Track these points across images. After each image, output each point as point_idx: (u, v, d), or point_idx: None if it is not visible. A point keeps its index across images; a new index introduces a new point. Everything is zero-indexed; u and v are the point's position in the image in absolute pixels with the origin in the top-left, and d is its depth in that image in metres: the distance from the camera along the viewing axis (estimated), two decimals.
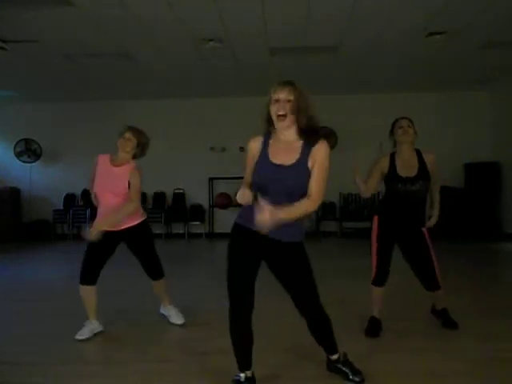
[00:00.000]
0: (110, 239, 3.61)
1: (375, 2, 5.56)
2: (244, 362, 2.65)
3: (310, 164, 2.41)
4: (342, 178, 9.89)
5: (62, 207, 10.75)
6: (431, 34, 6.58)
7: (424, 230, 3.67)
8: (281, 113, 2.37)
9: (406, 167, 3.50)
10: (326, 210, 10.47)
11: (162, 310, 4.13)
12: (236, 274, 2.53)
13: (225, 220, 10.69)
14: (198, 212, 10.72)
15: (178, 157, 10.62)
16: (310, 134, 2.43)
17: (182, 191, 10.76)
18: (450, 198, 9.92)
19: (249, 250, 2.53)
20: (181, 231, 10.68)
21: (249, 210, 2.45)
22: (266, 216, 2.19)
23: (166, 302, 4.09)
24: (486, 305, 4.44)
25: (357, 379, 2.76)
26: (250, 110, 11.27)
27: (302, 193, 2.40)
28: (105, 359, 3.21)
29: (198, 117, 10.65)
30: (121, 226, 3.63)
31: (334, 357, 2.86)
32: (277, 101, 2.39)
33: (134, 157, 3.79)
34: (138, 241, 3.77)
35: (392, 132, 3.62)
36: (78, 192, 10.86)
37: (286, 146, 2.45)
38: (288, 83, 2.43)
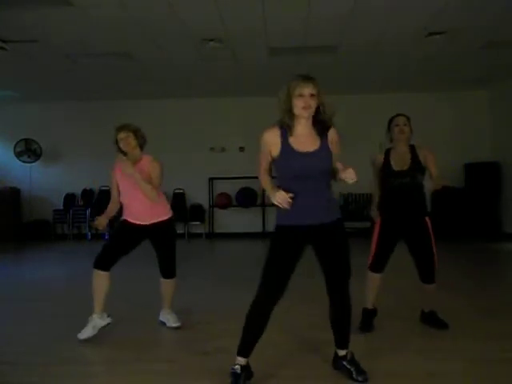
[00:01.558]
0: (137, 232, 3.72)
1: (375, 1, 5.56)
2: (246, 350, 2.74)
3: (330, 146, 2.68)
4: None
5: (61, 207, 10.75)
6: (431, 33, 6.58)
7: (427, 219, 3.71)
8: (306, 106, 2.57)
9: (400, 162, 3.60)
10: None
11: (162, 317, 4.05)
12: (276, 269, 2.64)
13: (225, 220, 10.72)
14: (197, 212, 10.72)
15: (177, 157, 10.60)
16: (321, 124, 2.68)
17: (182, 191, 10.76)
18: (450, 197, 9.94)
19: (295, 250, 2.66)
20: (181, 231, 10.67)
21: (294, 208, 2.51)
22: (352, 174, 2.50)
23: (167, 304, 4.02)
24: (486, 305, 4.44)
25: (360, 379, 2.78)
26: (250, 110, 11.36)
27: (330, 175, 2.66)
28: (105, 359, 3.21)
29: (198, 117, 10.65)
30: (149, 221, 3.72)
31: (343, 352, 2.90)
32: (301, 95, 2.58)
33: (141, 148, 3.88)
34: (163, 237, 3.83)
35: (389, 128, 3.72)
36: (78, 192, 10.86)
37: (305, 136, 2.65)
38: (311, 78, 2.65)
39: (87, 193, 10.89)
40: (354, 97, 10.28)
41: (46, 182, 10.91)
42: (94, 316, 3.62)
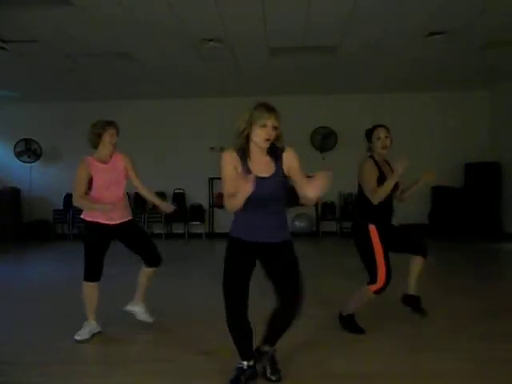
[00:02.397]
0: (106, 234, 3.75)
1: (375, 1, 5.56)
2: (245, 353, 2.83)
3: (285, 170, 2.74)
4: (341, 178, 9.93)
5: (61, 207, 10.75)
6: (431, 33, 6.58)
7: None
8: (268, 137, 2.64)
9: (388, 173, 3.69)
10: (325, 210, 10.47)
11: (130, 307, 4.07)
12: (233, 282, 2.72)
13: (225, 220, 10.69)
14: (198, 212, 10.72)
15: (177, 157, 10.62)
16: (273, 149, 2.74)
17: (182, 191, 10.76)
18: (450, 198, 9.94)
19: (245, 260, 2.75)
20: (181, 231, 10.68)
21: (242, 224, 2.78)
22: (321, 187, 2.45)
23: (141, 298, 4.04)
24: (486, 305, 4.44)
25: (273, 378, 2.85)
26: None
27: (284, 196, 2.75)
28: (105, 359, 3.21)
29: (198, 117, 10.65)
30: (115, 221, 3.76)
31: (266, 348, 2.89)
32: (264, 126, 2.63)
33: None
34: (133, 230, 3.91)
35: (370, 138, 3.71)
36: None
37: (262, 161, 2.73)
38: (274, 110, 2.68)
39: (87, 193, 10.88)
40: (354, 97, 10.29)
41: (45, 182, 10.91)
42: (92, 322, 3.75)
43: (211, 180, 10.54)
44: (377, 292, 3.53)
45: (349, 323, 3.72)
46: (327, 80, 9.25)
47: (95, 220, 3.76)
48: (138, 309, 4.06)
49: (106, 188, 3.78)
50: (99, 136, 3.76)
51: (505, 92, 9.81)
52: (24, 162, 10.78)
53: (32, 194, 10.89)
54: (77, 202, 3.81)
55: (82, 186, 3.82)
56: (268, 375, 2.85)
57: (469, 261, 7.29)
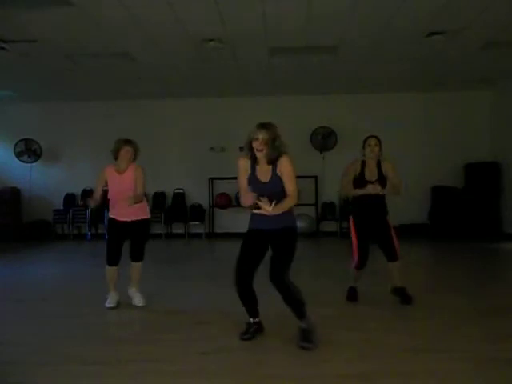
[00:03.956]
0: (122, 228, 4.53)
1: (375, 1, 5.57)
2: (251, 311, 3.55)
3: (279, 173, 3.41)
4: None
5: (62, 207, 10.75)
6: (431, 33, 6.59)
7: (387, 218, 4.45)
8: (259, 148, 3.35)
9: (370, 174, 4.41)
10: (325, 210, 10.47)
11: (130, 292, 4.65)
12: (240, 261, 3.46)
13: (225, 220, 10.71)
14: (197, 212, 10.71)
15: (177, 157, 10.62)
16: (273, 159, 3.39)
17: (182, 191, 10.76)
18: (450, 198, 9.95)
19: (258, 243, 3.50)
20: (181, 231, 10.68)
21: (256, 217, 3.47)
22: (268, 209, 3.26)
23: (136, 286, 4.65)
24: (485, 305, 4.43)
25: (304, 345, 3.31)
26: (250, 110, 11.34)
27: (283, 194, 3.41)
28: (105, 359, 3.20)
29: (197, 117, 10.65)
30: (132, 218, 4.50)
31: (299, 323, 3.40)
32: (256, 139, 3.34)
33: (133, 160, 4.63)
34: (139, 233, 4.59)
35: (363, 146, 4.49)
36: (78, 192, 10.85)
37: (264, 169, 3.44)
38: (264, 126, 3.35)
39: (87, 193, 10.87)
40: (354, 97, 10.29)
41: (45, 182, 10.92)
42: (112, 293, 4.53)
43: (211, 180, 10.55)
44: (356, 267, 4.44)
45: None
46: (327, 80, 9.25)
47: (111, 216, 4.66)
48: (131, 293, 4.66)
49: (118, 193, 4.50)
50: (117, 151, 4.50)
51: (505, 92, 9.81)
52: (24, 161, 10.79)
53: (32, 194, 10.89)
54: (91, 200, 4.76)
55: (99, 186, 4.66)
56: (300, 342, 3.33)
57: (468, 261, 7.29)
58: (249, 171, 3.47)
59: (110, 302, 4.51)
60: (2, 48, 6.60)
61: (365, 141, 4.49)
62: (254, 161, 3.44)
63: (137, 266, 4.64)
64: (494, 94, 10.18)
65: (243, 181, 3.49)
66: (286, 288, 3.36)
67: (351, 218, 4.50)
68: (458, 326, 3.77)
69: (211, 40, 6.74)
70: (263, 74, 8.78)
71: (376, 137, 4.48)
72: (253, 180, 3.46)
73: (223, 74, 8.65)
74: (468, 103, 10.35)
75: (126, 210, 4.48)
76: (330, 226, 10.50)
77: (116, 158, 4.54)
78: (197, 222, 10.69)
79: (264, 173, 3.43)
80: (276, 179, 3.40)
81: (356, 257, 4.41)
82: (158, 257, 5.27)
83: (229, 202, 10.37)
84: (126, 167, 4.55)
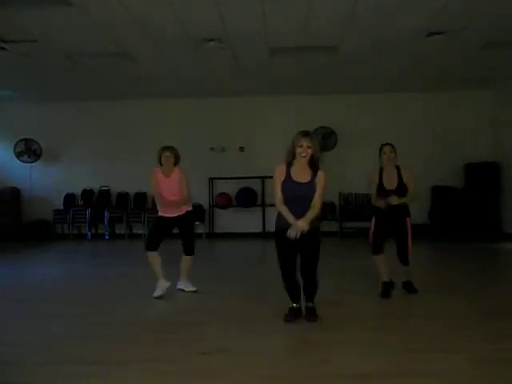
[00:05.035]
0: (169, 222, 4.98)
1: (375, 1, 5.57)
2: (294, 297, 3.95)
3: (316, 182, 3.85)
4: (341, 178, 9.96)
5: (62, 207, 10.75)
6: (431, 33, 6.59)
7: (407, 219, 4.81)
8: (303, 154, 3.79)
9: (389, 181, 4.71)
10: (325, 210, 10.46)
11: (179, 285, 5.12)
12: (282, 254, 3.88)
13: (225, 220, 10.71)
14: (198, 212, 10.69)
15: None
16: (314, 166, 3.87)
17: None
18: (450, 198, 9.94)
19: (286, 240, 3.79)
20: None
21: (281, 216, 3.86)
22: (297, 230, 3.71)
23: (185, 276, 5.13)
24: (486, 305, 4.43)
25: (312, 319, 3.88)
26: (251, 110, 11.32)
27: (312, 198, 3.83)
28: (105, 359, 3.20)
29: (198, 117, 10.65)
30: (175, 213, 4.95)
31: (308, 304, 3.95)
32: (301, 146, 3.77)
33: (175, 164, 5.13)
34: (185, 224, 5.07)
35: (380, 154, 4.78)
36: (78, 192, 10.86)
37: (302, 171, 3.85)
38: (308, 134, 3.83)
39: (87, 193, 10.89)
40: (354, 97, 10.29)
41: (45, 182, 10.91)
42: (161, 280, 4.87)
43: (211, 180, 10.54)
44: (373, 252, 4.75)
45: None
46: (327, 80, 9.25)
47: (159, 214, 5.04)
48: (182, 285, 5.14)
49: (167, 193, 4.96)
50: (159, 157, 5.03)
51: (505, 92, 9.82)
52: (24, 161, 10.79)
53: (32, 194, 10.89)
54: (156, 201, 5.11)
55: (155, 188, 5.03)
56: (310, 318, 3.89)
57: (468, 261, 7.29)
58: (284, 175, 3.87)
59: (156, 292, 4.85)
60: (2, 48, 6.60)
61: (380, 149, 4.80)
62: (290, 164, 3.87)
63: (189, 259, 5.13)
64: (494, 94, 10.17)
65: (278, 187, 3.88)
66: (315, 282, 3.93)
67: (374, 218, 4.80)
68: (458, 326, 3.77)
69: (211, 40, 6.74)
70: (263, 74, 8.78)
71: (391, 144, 4.79)
72: (288, 181, 3.86)
73: (223, 73, 8.65)
74: (468, 103, 10.34)
75: (172, 208, 4.96)
76: (330, 226, 10.49)
77: (159, 163, 5.04)
78: (197, 222, 10.67)
79: (302, 174, 3.86)
80: (314, 183, 3.85)
81: (371, 241, 4.78)
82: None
83: (229, 201, 10.36)
84: (170, 171, 5.04)
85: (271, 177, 4.00)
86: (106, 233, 10.64)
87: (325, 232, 10.22)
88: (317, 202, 3.82)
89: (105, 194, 10.84)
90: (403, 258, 4.77)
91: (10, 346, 3.52)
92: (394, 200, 4.61)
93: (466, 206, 9.75)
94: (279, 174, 3.86)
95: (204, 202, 10.66)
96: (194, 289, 5.09)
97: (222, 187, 10.44)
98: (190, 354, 3.26)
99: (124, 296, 5.01)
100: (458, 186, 10.09)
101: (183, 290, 5.11)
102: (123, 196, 10.84)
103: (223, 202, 10.36)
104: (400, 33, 6.58)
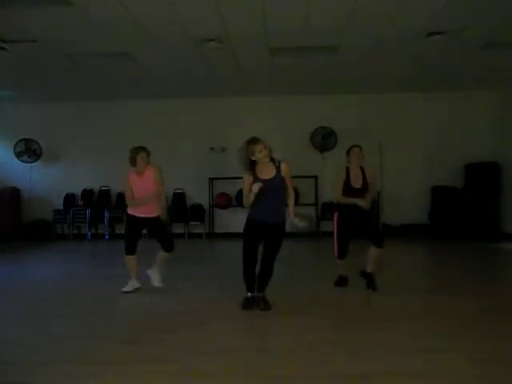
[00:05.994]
0: (139, 222, 5.13)
1: (375, 2, 5.57)
2: (251, 287, 4.31)
3: (283, 175, 4.24)
4: None
5: (62, 207, 10.75)
6: (431, 33, 6.59)
7: (371, 211, 5.09)
8: (266, 155, 4.19)
9: (355, 180, 4.97)
10: (325, 209, 10.46)
11: (149, 272, 5.24)
12: (249, 245, 4.33)
13: (225, 220, 10.71)
14: (198, 212, 10.71)
15: (177, 157, 10.61)
16: (274, 161, 4.27)
17: (181, 191, 10.76)
18: (450, 198, 9.94)
19: (257, 232, 4.31)
20: (181, 231, 10.67)
21: (256, 210, 4.25)
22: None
23: (157, 268, 5.23)
24: (486, 305, 4.43)
25: (263, 307, 4.23)
26: (250, 110, 11.33)
27: (283, 189, 4.26)
28: (105, 359, 3.20)
29: (198, 117, 10.65)
30: (144, 214, 5.10)
31: (259, 294, 4.30)
32: (260, 151, 4.13)
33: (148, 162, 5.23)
34: (155, 224, 5.18)
35: (348, 153, 5.09)
36: (78, 192, 10.87)
37: (265, 170, 4.23)
38: (257, 139, 4.17)
39: (87, 193, 10.89)
40: (354, 97, 10.29)
41: (45, 182, 10.91)
42: (133, 280, 5.12)
43: (211, 180, 10.55)
44: (337, 257, 5.01)
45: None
46: (327, 80, 9.25)
47: (129, 212, 5.21)
48: (151, 273, 5.24)
49: (140, 193, 5.11)
50: (135, 158, 5.11)
51: (504, 92, 9.82)
52: (24, 161, 10.79)
53: (32, 194, 10.89)
54: (128, 205, 5.25)
55: (128, 190, 5.20)
56: (261, 306, 4.24)
57: (468, 261, 7.29)
58: (251, 179, 4.20)
59: (126, 288, 5.10)
60: (2, 48, 6.60)
61: (349, 149, 5.10)
62: (253, 169, 4.21)
63: (166, 255, 5.22)
64: (494, 94, 10.17)
65: (247, 188, 4.28)
66: (271, 272, 4.34)
67: (336, 214, 5.04)
68: (457, 326, 3.77)
69: (211, 40, 6.74)
70: (263, 74, 8.78)
71: (359, 146, 5.13)
72: (257, 181, 4.17)
73: (223, 73, 8.65)
74: (468, 103, 10.35)
75: (144, 207, 5.14)
76: (330, 226, 10.45)
77: (134, 165, 5.13)
78: (197, 222, 10.68)
79: (266, 172, 4.19)
80: (280, 177, 4.20)
81: (336, 249, 5.02)
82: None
83: (229, 202, 10.36)
84: (143, 170, 5.15)
85: None
86: (106, 233, 10.64)
87: (325, 232, 10.34)
88: (290, 190, 4.29)
89: (105, 193, 10.84)
90: (378, 239, 4.92)
91: (10, 346, 3.52)
92: (367, 203, 4.88)
93: (466, 206, 9.75)
94: (247, 182, 4.27)
95: (204, 202, 10.67)
96: (160, 285, 5.21)
97: (222, 187, 10.45)
98: (190, 354, 3.26)
99: (124, 296, 5.01)
100: (458, 186, 10.09)
101: (149, 279, 5.22)
102: (123, 196, 10.75)
103: (223, 201, 10.35)
104: (400, 33, 6.58)
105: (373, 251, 4.92)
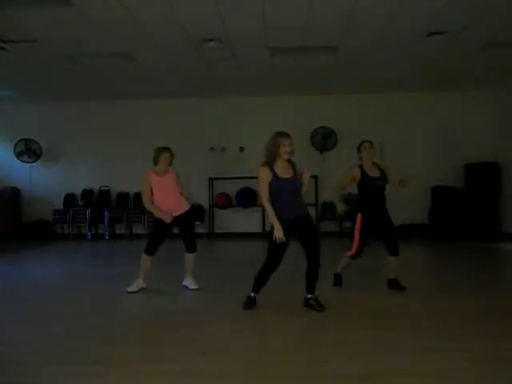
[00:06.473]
0: (170, 222, 5.10)
1: (375, 2, 5.57)
2: (259, 289, 4.30)
3: (298, 176, 4.27)
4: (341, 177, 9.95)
5: (62, 207, 10.75)
6: (431, 33, 6.59)
7: (389, 215, 4.98)
8: (288, 152, 4.18)
9: (372, 171, 4.95)
10: (325, 209, 10.46)
11: (184, 282, 5.28)
12: (277, 247, 4.12)
13: (225, 220, 10.71)
14: (197, 212, 10.70)
15: (177, 157, 10.55)
16: (291, 162, 4.30)
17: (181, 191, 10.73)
18: (450, 197, 9.94)
19: (285, 233, 4.10)
20: None
21: (283, 209, 4.15)
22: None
23: (189, 273, 5.29)
24: (486, 305, 4.44)
25: (319, 309, 4.18)
26: (250, 110, 11.31)
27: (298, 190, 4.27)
28: (105, 359, 3.20)
29: (198, 117, 10.65)
30: (177, 212, 5.15)
31: (309, 296, 4.27)
32: (284, 145, 4.13)
33: (170, 164, 5.35)
34: (187, 222, 5.31)
35: (359, 150, 5.04)
36: (78, 192, 10.86)
37: (286, 168, 4.22)
38: (288, 134, 4.22)
39: (87, 193, 10.89)
40: (354, 97, 10.29)
41: (45, 182, 10.91)
42: (140, 280, 5.11)
43: (211, 180, 10.55)
44: (352, 257, 4.94)
45: (336, 278, 5.12)
46: (327, 80, 9.25)
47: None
48: (187, 282, 5.30)
49: (162, 194, 5.13)
50: (158, 158, 5.17)
51: (504, 92, 9.82)
52: (24, 161, 10.79)
53: (32, 194, 10.89)
54: (145, 204, 5.19)
55: (147, 188, 5.12)
56: (316, 308, 4.21)
57: (468, 261, 7.29)
58: (270, 175, 4.13)
59: (131, 288, 5.09)
60: (2, 48, 6.60)
61: (360, 145, 5.05)
62: (273, 164, 4.16)
63: (192, 257, 5.31)
64: (494, 94, 10.17)
65: (265, 189, 4.17)
66: (319, 266, 4.28)
67: (360, 215, 4.94)
68: (457, 326, 3.78)
69: (211, 40, 6.74)
70: (263, 74, 8.78)
71: (370, 141, 5.09)
72: (275, 179, 4.15)
73: (223, 73, 8.65)
74: (468, 103, 10.34)
75: (169, 211, 5.14)
76: (330, 226, 10.50)
77: (156, 164, 5.19)
78: (197, 222, 10.67)
79: (286, 171, 4.20)
80: (296, 177, 4.25)
81: (355, 249, 4.91)
82: (158, 257, 5.27)
83: (229, 201, 10.36)
84: (165, 171, 5.24)
85: None
86: (106, 233, 10.64)
87: (325, 232, 10.34)
88: (304, 191, 4.30)
89: (105, 193, 10.84)
90: (395, 249, 4.89)
91: (10, 346, 3.52)
92: (403, 182, 5.02)
93: (466, 206, 9.75)
94: (265, 177, 4.14)
95: (204, 201, 10.66)
96: (196, 287, 5.22)
97: (222, 187, 10.44)
98: (190, 354, 3.26)
99: (124, 296, 5.01)
100: (458, 186, 10.09)
101: (187, 287, 5.23)
102: (123, 196, 10.84)
103: (223, 201, 10.35)
104: (400, 33, 6.58)
105: (391, 259, 4.94)
